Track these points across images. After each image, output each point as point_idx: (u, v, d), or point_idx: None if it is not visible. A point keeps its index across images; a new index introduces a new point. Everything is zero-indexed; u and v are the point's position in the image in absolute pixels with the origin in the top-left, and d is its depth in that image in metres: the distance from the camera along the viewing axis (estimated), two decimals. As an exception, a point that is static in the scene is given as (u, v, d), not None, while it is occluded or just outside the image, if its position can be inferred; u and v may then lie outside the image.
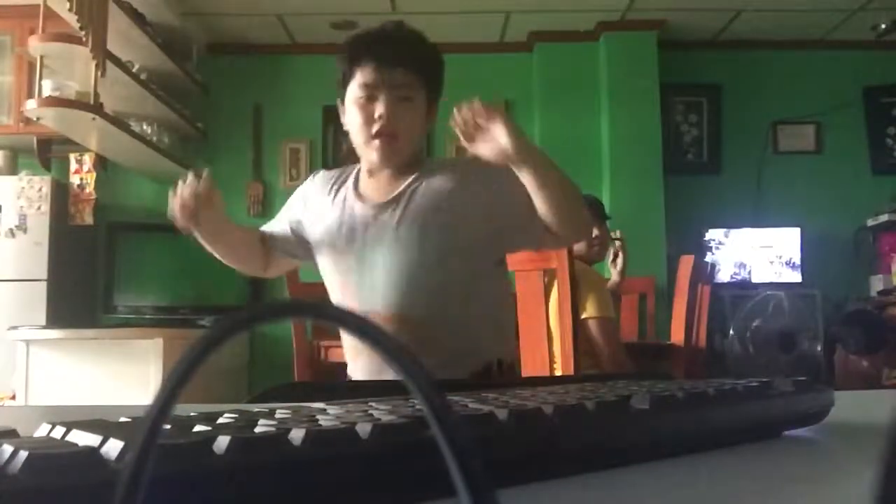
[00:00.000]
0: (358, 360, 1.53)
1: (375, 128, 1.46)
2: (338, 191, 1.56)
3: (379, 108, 1.46)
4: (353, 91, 1.50)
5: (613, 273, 3.18)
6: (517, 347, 1.85)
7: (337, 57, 1.55)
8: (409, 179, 1.50)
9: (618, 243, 3.13)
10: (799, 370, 4.05)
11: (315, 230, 1.55)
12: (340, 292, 1.51)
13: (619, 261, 3.17)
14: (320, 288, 1.59)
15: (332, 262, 1.53)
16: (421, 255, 1.44)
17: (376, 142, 1.47)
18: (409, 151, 1.52)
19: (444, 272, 1.44)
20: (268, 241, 1.64)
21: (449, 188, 1.48)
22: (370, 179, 1.54)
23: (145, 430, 0.16)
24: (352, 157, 1.62)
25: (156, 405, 0.16)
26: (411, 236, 1.45)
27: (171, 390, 0.16)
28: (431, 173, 1.51)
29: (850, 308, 4.21)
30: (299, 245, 1.60)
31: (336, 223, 1.51)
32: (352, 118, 1.51)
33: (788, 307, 4.23)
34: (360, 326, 0.17)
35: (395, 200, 1.49)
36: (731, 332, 4.40)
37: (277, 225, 1.64)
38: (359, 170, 1.58)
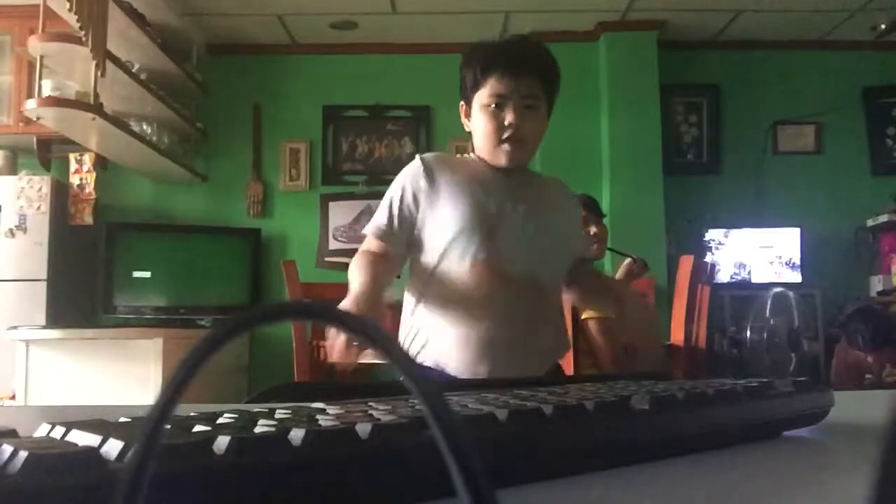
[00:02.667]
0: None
1: (506, 134, 1.58)
2: (470, 170, 1.65)
3: (509, 116, 1.57)
4: (483, 98, 1.59)
5: (620, 275, 3.13)
6: None
7: (463, 64, 1.65)
8: (532, 180, 1.70)
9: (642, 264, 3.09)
10: (799, 370, 4.05)
11: (451, 196, 1.59)
12: (486, 247, 1.56)
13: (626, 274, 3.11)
14: (320, 288, 1.60)
15: (482, 222, 1.57)
16: (547, 240, 1.61)
17: (506, 146, 1.59)
18: (532, 155, 1.68)
19: (557, 263, 1.65)
20: (392, 252, 1.63)
21: (564, 198, 1.73)
22: (498, 174, 1.64)
23: (147, 430, 0.16)
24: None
25: (158, 405, 0.16)
26: (543, 224, 1.61)
27: (174, 391, 0.16)
28: (544, 179, 1.76)
29: (854, 306, 4.21)
30: (418, 220, 1.63)
31: (485, 189, 1.60)
32: (480, 122, 1.61)
33: (788, 307, 4.23)
34: (360, 327, 0.17)
35: (535, 191, 1.66)
36: (731, 332, 4.40)
37: (397, 220, 1.62)
38: (476, 161, 1.68)
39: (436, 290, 1.59)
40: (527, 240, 1.59)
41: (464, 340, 1.54)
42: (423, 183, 1.62)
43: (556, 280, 1.65)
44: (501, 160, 1.61)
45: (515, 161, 1.61)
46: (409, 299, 1.66)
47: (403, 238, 1.62)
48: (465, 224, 1.57)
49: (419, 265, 1.63)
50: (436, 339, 1.58)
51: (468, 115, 1.65)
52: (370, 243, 1.65)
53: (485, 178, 1.63)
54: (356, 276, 1.54)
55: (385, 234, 1.62)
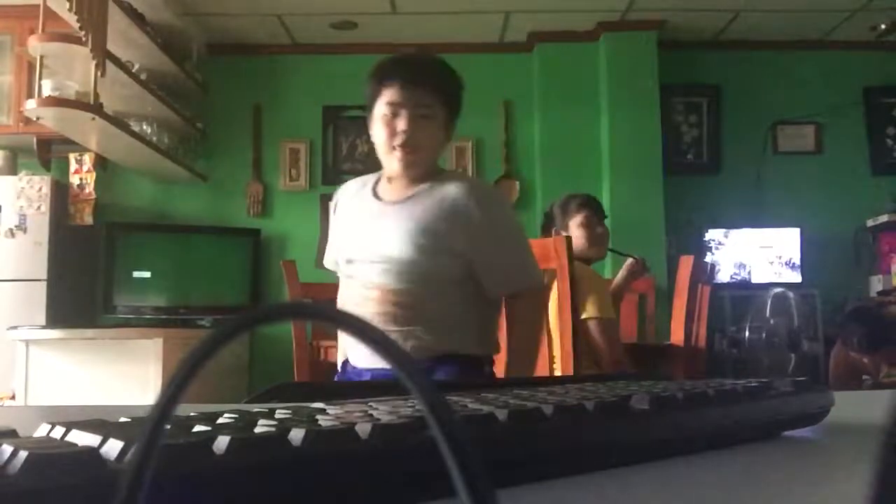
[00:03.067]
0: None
1: (398, 141, 1.66)
2: (361, 193, 1.80)
3: (401, 124, 1.65)
4: (380, 108, 1.68)
5: (622, 275, 3.09)
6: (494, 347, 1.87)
7: (367, 79, 1.74)
8: (422, 186, 1.71)
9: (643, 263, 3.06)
10: (798, 370, 4.05)
11: (342, 225, 1.80)
12: (346, 273, 1.75)
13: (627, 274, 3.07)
14: (320, 288, 1.65)
15: (346, 248, 1.75)
16: (413, 249, 1.64)
17: (398, 153, 1.67)
18: (428, 162, 1.72)
19: (426, 267, 1.65)
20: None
21: (451, 200, 1.67)
22: (389, 184, 1.75)
23: (147, 430, 0.16)
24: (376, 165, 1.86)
25: (158, 405, 0.16)
26: (410, 231, 1.65)
27: (174, 391, 0.16)
28: (442, 183, 1.71)
29: (849, 307, 4.21)
30: None
31: (356, 216, 1.76)
32: (377, 131, 1.69)
33: (788, 307, 4.23)
34: (360, 328, 0.17)
35: (404, 201, 1.70)
36: (731, 332, 4.40)
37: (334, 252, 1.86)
38: (380, 175, 1.80)
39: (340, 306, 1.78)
40: (379, 248, 1.68)
41: (347, 347, 1.77)
42: (334, 215, 1.86)
43: (419, 282, 1.65)
44: (394, 167, 1.69)
45: (408, 168, 1.68)
46: None
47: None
48: (334, 242, 1.79)
49: None
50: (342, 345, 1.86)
51: (372, 128, 1.74)
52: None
53: (363, 194, 1.77)
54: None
55: (335, 266, 1.85)
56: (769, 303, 4.20)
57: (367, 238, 1.71)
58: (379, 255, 1.68)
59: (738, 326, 4.38)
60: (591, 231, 2.71)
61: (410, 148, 1.66)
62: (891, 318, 3.89)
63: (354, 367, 1.71)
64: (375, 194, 1.77)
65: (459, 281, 1.69)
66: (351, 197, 1.83)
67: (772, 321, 4.21)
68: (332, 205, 1.88)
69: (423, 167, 1.71)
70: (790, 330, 4.19)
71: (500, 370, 1.82)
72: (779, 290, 4.27)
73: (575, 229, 2.70)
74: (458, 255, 1.67)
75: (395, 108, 1.66)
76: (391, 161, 1.69)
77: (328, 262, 1.89)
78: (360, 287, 1.70)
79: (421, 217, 1.67)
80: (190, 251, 4.42)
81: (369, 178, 1.83)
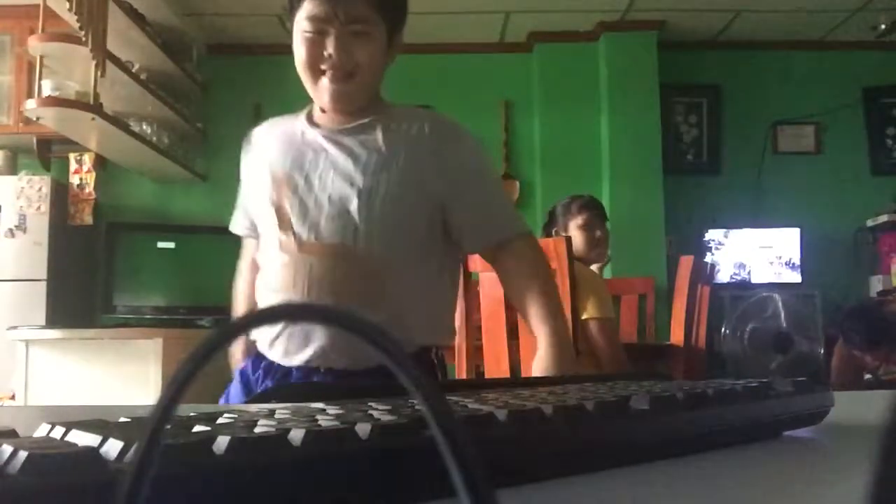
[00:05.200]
0: (275, 345, 1.33)
1: (325, 66, 1.30)
2: (287, 125, 1.42)
3: (329, 45, 1.28)
4: (301, 23, 1.30)
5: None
6: (451, 343, 1.67)
7: None
8: (370, 117, 1.34)
9: None
10: (798, 371, 4.05)
11: (259, 168, 1.39)
12: (277, 217, 1.33)
13: None
14: None
15: (272, 191, 1.34)
16: (373, 184, 1.28)
17: (325, 81, 1.31)
18: (368, 92, 1.35)
19: (389, 222, 1.28)
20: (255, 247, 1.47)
21: (414, 132, 1.32)
22: (323, 114, 1.40)
23: (149, 430, 0.16)
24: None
25: (159, 405, 0.16)
26: (366, 173, 1.29)
27: (175, 391, 0.16)
28: (395, 114, 1.36)
29: (849, 305, 4.21)
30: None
31: (283, 149, 1.37)
32: (298, 54, 1.33)
33: (788, 308, 4.23)
34: (361, 328, 0.17)
35: (356, 131, 1.33)
36: (731, 332, 4.40)
37: (245, 212, 1.48)
38: (310, 109, 1.42)
39: (260, 279, 1.37)
40: (332, 200, 1.28)
41: (266, 331, 1.31)
42: (247, 162, 1.45)
43: (397, 246, 1.28)
44: (324, 99, 1.32)
45: (341, 100, 1.31)
46: None
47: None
48: (258, 197, 1.36)
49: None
50: (256, 333, 1.36)
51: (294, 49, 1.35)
52: (245, 246, 1.52)
53: (292, 133, 1.38)
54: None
55: (247, 230, 1.47)
56: (768, 304, 4.21)
57: (302, 179, 1.31)
58: (320, 203, 1.28)
59: (737, 327, 4.38)
60: (591, 234, 2.71)
61: (342, 74, 1.29)
62: (891, 315, 3.89)
63: (278, 364, 1.30)
64: (311, 122, 1.39)
65: (427, 238, 1.32)
66: (269, 135, 1.43)
67: (770, 322, 4.21)
68: (243, 155, 1.46)
69: (360, 98, 1.33)
70: (788, 330, 4.19)
71: (500, 368, 1.80)
72: (778, 290, 4.27)
73: (574, 231, 2.71)
74: (429, 195, 1.31)
75: (319, 24, 1.27)
76: (319, 92, 1.32)
77: (237, 227, 1.51)
78: (289, 254, 1.29)
79: (378, 147, 1.30)
80: (190, 251, 4.42)
81: (295, 113, 1.44)
